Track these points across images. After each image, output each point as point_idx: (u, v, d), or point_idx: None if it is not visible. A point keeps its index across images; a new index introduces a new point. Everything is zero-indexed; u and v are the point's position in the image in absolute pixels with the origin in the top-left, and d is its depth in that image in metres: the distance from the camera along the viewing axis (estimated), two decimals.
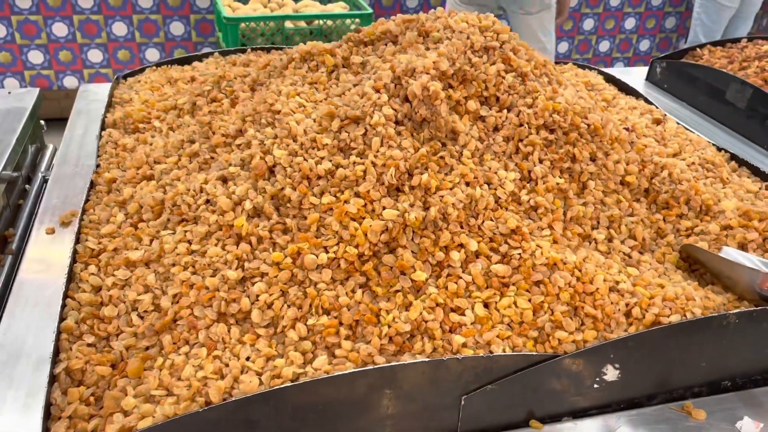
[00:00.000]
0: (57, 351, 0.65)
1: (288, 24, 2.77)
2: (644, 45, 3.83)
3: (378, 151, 0.74)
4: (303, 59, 0.93)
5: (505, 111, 0.84)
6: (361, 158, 0.74)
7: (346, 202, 0.71)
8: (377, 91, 0.79)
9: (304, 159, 0.75)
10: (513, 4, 2.37)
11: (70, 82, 3.18)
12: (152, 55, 3.21)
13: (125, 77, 1.29)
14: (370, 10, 2.85)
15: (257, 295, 0.67)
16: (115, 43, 3.14)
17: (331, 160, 0.75)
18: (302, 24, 2.80)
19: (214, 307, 0.67)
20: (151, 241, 0.76)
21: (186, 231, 0.74)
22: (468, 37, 0.87)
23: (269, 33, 2.75)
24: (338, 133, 0.77)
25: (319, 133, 0.78)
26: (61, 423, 0.59)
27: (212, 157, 0.83)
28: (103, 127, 1.05)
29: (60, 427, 0.59)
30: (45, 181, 1.29)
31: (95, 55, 3.14)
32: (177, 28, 3.18)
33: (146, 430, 0.56)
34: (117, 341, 0.66)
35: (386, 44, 0.92)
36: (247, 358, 0.63)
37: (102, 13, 3.06)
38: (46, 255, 0.87)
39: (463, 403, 0.64)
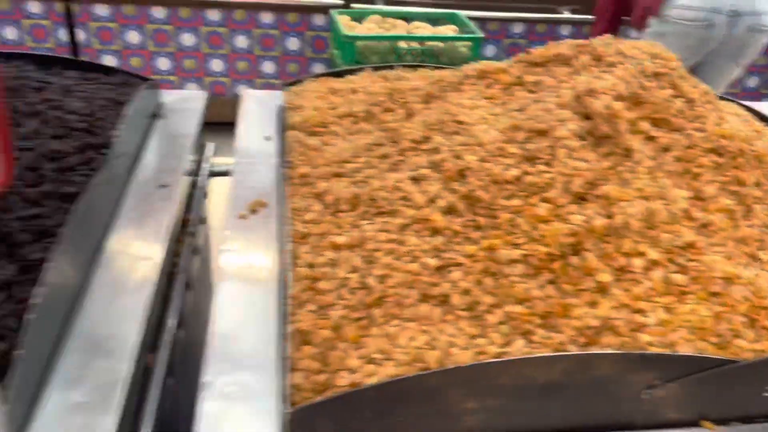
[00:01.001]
0: (286, 314, 0.75)
1: (401, 44, 2.90)
2: (753, 82, 3.75)
3: (564, 162, 0.82)
4: (478, 77, 1.02)
5: (675, 133, 0.90)
6: (547, 167, 0.82)
7: (534, 205, 0.79)
8: (561, 107, 0.87)
9: (493, 165, 0.83)
10: (729, 60, 2.42)
11: (191, 88, 3.43)
12: (268, 67, 3.42)
13: (288, 85, 1.42)
14: (481, 34, 2.94)
15: (455, 282, 0.75)
16: (236, 54, 3.36)
17: (518, 168, 0.83)
18: (415, 44, 2.92)
19: (417, 289, 0.76)
20: (351, 229, 0.86)
21: (384, 222, 0.84)
22: (640, 63, 0.93)
23: (384, 52, 2.88)
24: (523, 143, 0.85)
25: (505, 142, 0.86)
26: (298, 374, 0.69)
27: (401, 160, 0.92)
28: (282, 129, 1.18)
29: (298, 377, 0.68)
30: (211, 174, 1.45)
31: (217, 65, 3.38)
32: (293, 44, 3.38)
33: (376, 385, 0.65)
34: (333, 311, 0.76)
35: (557, 66, 1.00)
36: (451, 336, 0.71)
37: (227, 27, 3.29)
38: (244, 237, 1.00)
39: (644, 397, 0.70)
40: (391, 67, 1.48)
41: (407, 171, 0.89)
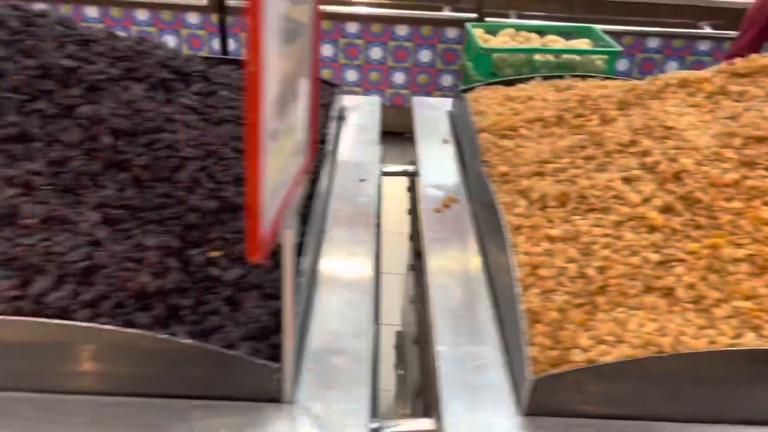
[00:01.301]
0: (507, 295, 0.83)
1: (536, 56, 2.93)
2: None
3: None
4: (679, 85, 1.06)
5: None
6: None
7: (756, 208, 0.82)
8: None
9: (710, 168, 0.87)
10: None
11: None
12: (399, 78, 3.56)
13: (463, 92, 1.51)
14: (619, 48, 2.92)
15: (679, 276, 0.79)
16: (369, 65, 3.53)
17: (736, 172, 0.86)
18: (550, 57, 2.95)
19: (640, 280, 0.80)
20: (562, 223, 0.92)
21: (597, 218, 0.89)
22: None
23: (518, 64, 2.93)
24: (740, 149, 0.88)
25: (721, 147, 0.89)
26: (534, 348, 0.76)
27: (608, 161, 0.98)
28: (456, 132, 1.26)
29: (534, 351, 0.75)
30: (382, 173, 1.55)
31: (351, 75, 3.55)
32: (425, 56, 3.50)
33: (618, 362, 0.70)
34: (556, 296, 0.82)
35: (763, 77, 1.01)
36: (679, 325, 0.75)
37: (364, 38, 3.46)
38: (443, 228, 1.09)
39: None
40: (561, 77, 1.53)
41: (616, 172, 0.94)
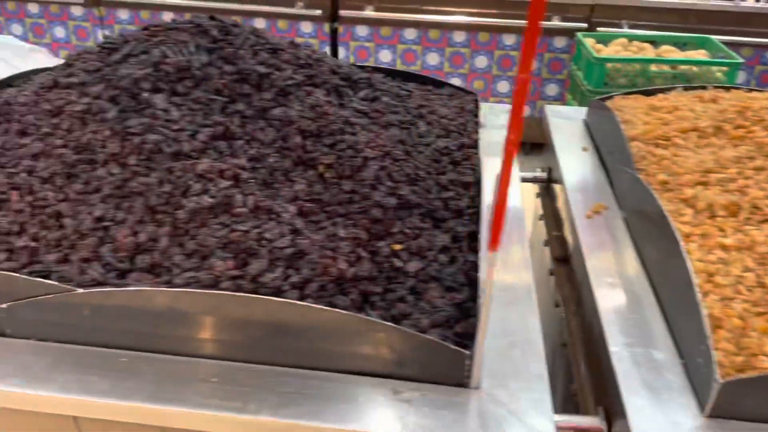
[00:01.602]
0: (685, 300, 0.84)
1: (652, 67, 2.87)
2: None
3: None
4: None
5: None
6: None
7: None
8: None
9: None
10: None
11: None
12: (502, 86, 3.57)
13: (603, 101, 1.53)
14: (739, 60, 2.82)
15: None
16: (475, 74, 3.57)
17: None
18: (665, 68, 2.88)
19: None
20: (735, 233, 0.93)
21: None
22: None
23: (632, 74, 2.89)
24: None
25: None
26: (718, 353, 0.77)
27: None
28: (593, 139, 1.28)
29: (718, 355, 0.77)
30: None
31: (455, 83, 3.60)
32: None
33: None
34: (735, 303, 0.83)
35: None
36: None
37: (470, 47, 3.51)
38: (597, 233, 1.11)
39: None
40: (704, 88, 1.51)
41: None
